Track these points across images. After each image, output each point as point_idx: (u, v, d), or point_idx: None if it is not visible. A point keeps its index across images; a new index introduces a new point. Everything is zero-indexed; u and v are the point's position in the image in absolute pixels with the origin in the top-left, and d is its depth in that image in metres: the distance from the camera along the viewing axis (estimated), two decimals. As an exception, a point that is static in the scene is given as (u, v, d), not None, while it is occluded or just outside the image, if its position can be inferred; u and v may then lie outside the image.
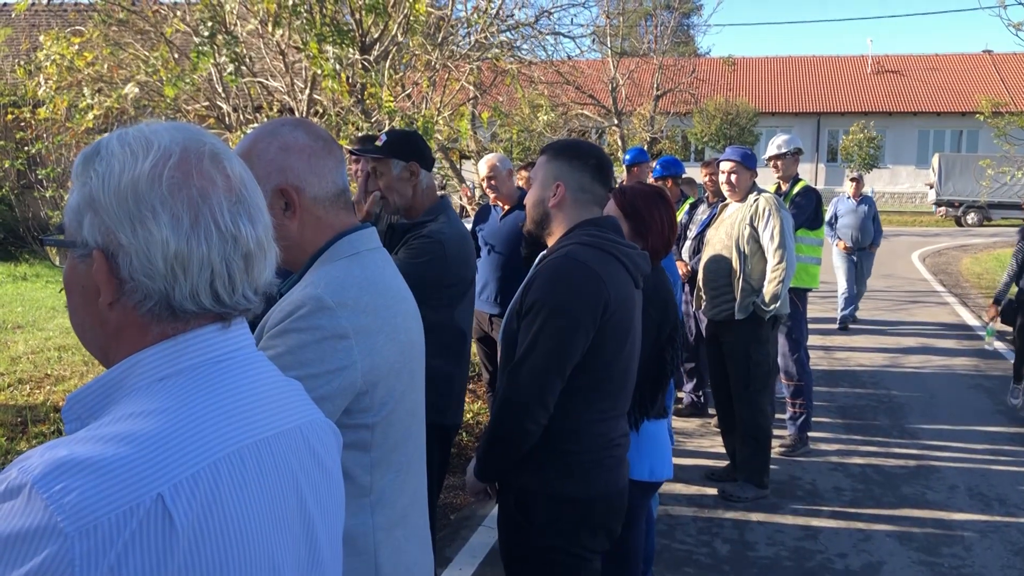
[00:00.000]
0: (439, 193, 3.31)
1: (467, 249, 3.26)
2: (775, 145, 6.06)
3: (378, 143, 3.17)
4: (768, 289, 4.91)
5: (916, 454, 5.78)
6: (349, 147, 3.76)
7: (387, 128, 5.64)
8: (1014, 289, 6.92)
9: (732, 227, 5.08)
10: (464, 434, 5.75)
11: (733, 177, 5.12)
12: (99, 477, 0.80)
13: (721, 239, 5.13)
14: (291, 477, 0.99)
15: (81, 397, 0.95)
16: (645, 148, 18.28)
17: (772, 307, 4.91)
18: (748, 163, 5.11)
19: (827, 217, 9.92)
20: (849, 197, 10.22)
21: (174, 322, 0.95)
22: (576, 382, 2.26)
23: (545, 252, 2.43)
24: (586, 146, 2.46)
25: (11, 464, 0.83)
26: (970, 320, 11.00)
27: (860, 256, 10.30)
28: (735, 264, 5.01)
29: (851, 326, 10.39)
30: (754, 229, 4.99)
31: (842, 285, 10.25)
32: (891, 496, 5.05)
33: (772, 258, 4.94)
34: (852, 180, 10.32)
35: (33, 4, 6.65)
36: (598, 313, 2.22)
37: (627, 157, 7.00)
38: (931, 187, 29.34)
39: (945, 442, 6.03)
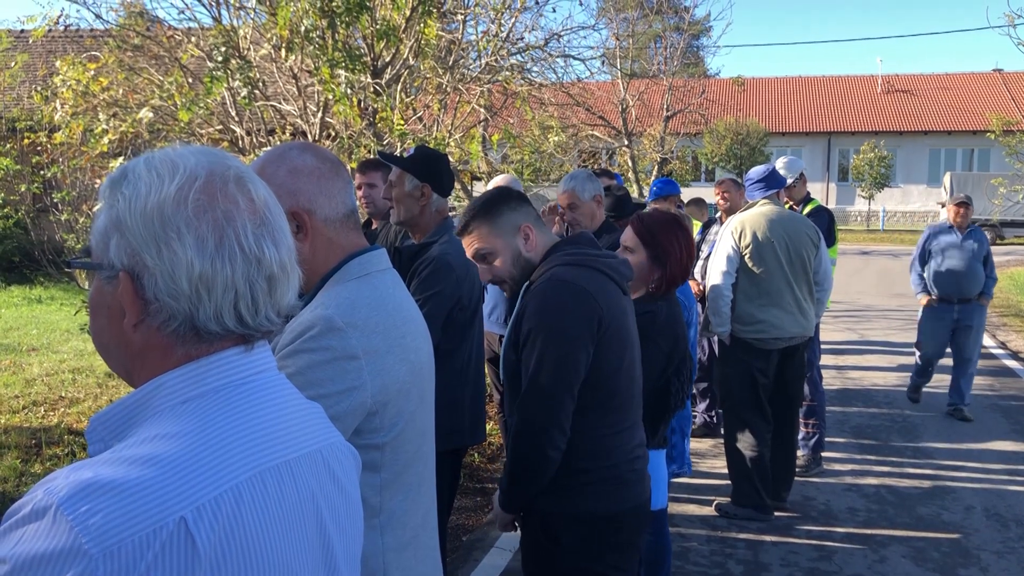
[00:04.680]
0: (452, 215, 3.37)
1: (472, 268, 3.32)
2: None
3: (406, 154, 3.29)
4: None
5: (931, 474, 5.73)
6: (377, 151, 3.99)
7: (406, 146, 5.72)
8: None
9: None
10: (476, 455, 5.74)
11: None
12: (123, 499, 0.81)
13: None
14: (311, 500, 0.99)
15: (105, 419, 0.96)
16: (655, 168, 18.37)
17: (717, 329, 4.98)
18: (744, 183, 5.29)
19: (916, 252, 7.23)
20: (951, 226, 7.06)
21: (198, 343, 0.96)
22: (584, 400, 2.26)
23: (529, 281, 2.39)
24: (498, 192, 2.46)
25: (36, 485, 0.84)
26: (984, 340, 10.90)
27: (962, 312, 6.99)
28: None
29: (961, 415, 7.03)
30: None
31: (925, 351, 7.12)
32: (906, 517, 5.01)
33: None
34: (958, 205, 7.01)
35: (50, 30, 6.75)
36: (594, 328, 2.23)
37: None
38: (943, 206, 29.21)
39: (960, 462, 5.98)
